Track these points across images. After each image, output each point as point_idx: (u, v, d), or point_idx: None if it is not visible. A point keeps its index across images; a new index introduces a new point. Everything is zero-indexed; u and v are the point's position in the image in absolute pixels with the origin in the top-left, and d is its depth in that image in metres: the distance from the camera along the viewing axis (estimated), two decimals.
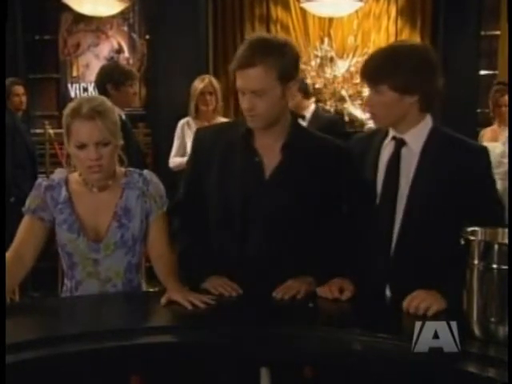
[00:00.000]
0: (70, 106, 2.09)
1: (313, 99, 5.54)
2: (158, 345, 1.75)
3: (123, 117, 4.06)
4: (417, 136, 2.03)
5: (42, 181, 2.21)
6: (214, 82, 4.81)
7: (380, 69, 1.97)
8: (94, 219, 2.17)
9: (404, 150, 2.04)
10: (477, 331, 1.70)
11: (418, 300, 1.84)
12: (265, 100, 2.00)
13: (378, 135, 2.12)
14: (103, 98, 2.20)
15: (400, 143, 2.05)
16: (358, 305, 2.02)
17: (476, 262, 1.68)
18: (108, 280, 2.19)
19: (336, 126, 5.21)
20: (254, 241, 2.14)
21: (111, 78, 4.11)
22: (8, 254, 2.10)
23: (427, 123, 2.05)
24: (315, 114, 5.29)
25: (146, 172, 2.26)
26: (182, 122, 4.75)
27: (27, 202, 2.17)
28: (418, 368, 1.63)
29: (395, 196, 2.03)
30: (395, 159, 2.05)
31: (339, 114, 6.98)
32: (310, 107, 5.27)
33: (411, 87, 1.96)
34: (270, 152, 2.11)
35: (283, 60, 2.00)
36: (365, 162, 2.10)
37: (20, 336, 1.74)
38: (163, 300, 2.00)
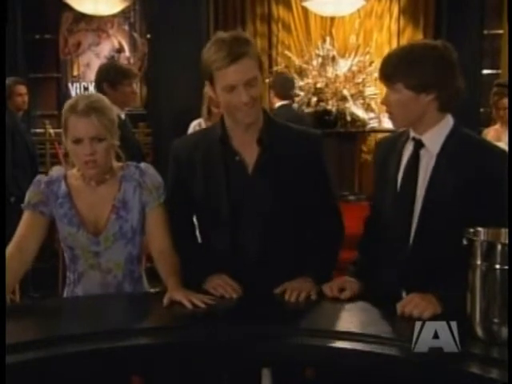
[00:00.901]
0: (69, 102, 2.14)
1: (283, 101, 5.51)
2: (159, 345, 1.74)
3: (122, 116, 4.03)
4: (435, 137, 2.01)
5: (41, 177, 2.24)
6: None
7: (395, 67, 1.96)
8: (93, 213, 2.20)
9: (423, 151, 2.03)
10: (479, 332, 1.67)
11: (411, 306, 1.82)
12: (257, 89, 2.05)
13: (402, 137, 2.11)
14: (101, 96, 2.24)
15: (419, 144, 2.04)
16: (362, 305, 2.00)
17: (478, 262, 1.66)
18: (109, 271, 2.21)
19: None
20: (246, 237, 2.15)
21: (107, 77, 4.08)
22: (9, 250, 2.11)
23: (447, 124, 2.02)
24: (277, 111, 5.31)
25: (142, 164, 2.29)
26: (194, 123, 4.71)
27: (26, 198, 2.20)
28: (419, 369, 1.61)
29: (413, 197, 2.02)
30: (414, 160, 2.04)
31: (341, 113, 6.97)
32: (276, 105, 5.31)
33: (427, 85, 1.94)
34: (248, 149, 2.15)
35: (256, 50, 2.10)
36: (388, 164, 2.11)
37: (20, 337, 1.73)
38: (166, 300, 1.99)
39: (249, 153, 2.15)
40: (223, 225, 2.16)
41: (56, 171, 2.25)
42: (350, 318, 1.95)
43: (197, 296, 1.99)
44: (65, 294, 2.29)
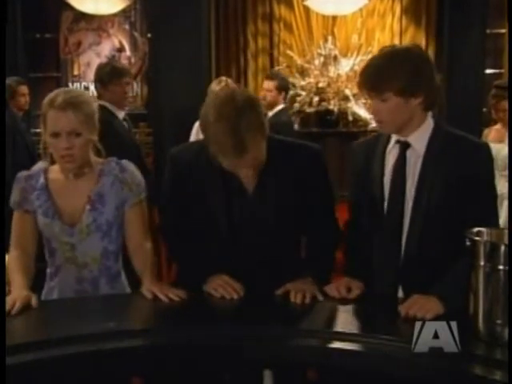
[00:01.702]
0: (48, 96, 2.18)
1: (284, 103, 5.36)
2: (160, 346, 1.73)
3: (121, 116, 4.01)
4: (420, 137, 2.03)
5: (21, 173, 2.28)
6: (231, 85, 4.59)
7: (381, 77, 1.96)
8: (70, 204, 2.22)
9: (409, 152, 2.04)
10: (482, 333, 1.66)
11: (415, 308, 1.82)
12: (263, 156, 2.02)
13: (381, 140, 2.12)
14: (82, 91, 2.32)
15: (404, 146, 2.04)
16: (363, 306, 1.98)
17: (482, 263, 1.64)
18: (85, 265, 2.22)
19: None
20: (244, 256, 2.12)
21: (99, 77, 4.06)
22: (13, 253, 2.16)
23: (429, 123, 2.05)
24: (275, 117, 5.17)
25: (124, 161, 2.30)
26: (197, 123, 4.67)
27: (12, 197, 2.24)
28: (422, 370, 1.60)
29: (403, 198, 2.03)
30: (401, 162, 2.05)
31: (343, 113, 6.95)
32: (277, 108, 5.16)
33: (415, 89, 1.96)
34: (249, 170, 2.08)
35: (259, 109, 1.99)
36: (370, 168, 2.11)
37: (20, 338, 1.72)
38: (148, 295, 2.03)
39: (250, 174, 2.10)
40: (221, 240, 2.14)
41: (38, 166, 2.29)
42: (351, 319, 1.94)
43: (172, 291, 2.03)
44: (44, 289, 2.28)
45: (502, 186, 3.52)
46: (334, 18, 7.17)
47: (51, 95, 2.16)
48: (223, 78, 4.70)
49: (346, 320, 1.93)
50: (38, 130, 6.52)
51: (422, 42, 7.15)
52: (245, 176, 2.09)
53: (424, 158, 2.01)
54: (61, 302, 2.19)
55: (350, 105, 7.02)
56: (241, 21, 7.18)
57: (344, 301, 1.99)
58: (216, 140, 1.93)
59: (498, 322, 1.62)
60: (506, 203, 3.54)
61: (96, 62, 6.64)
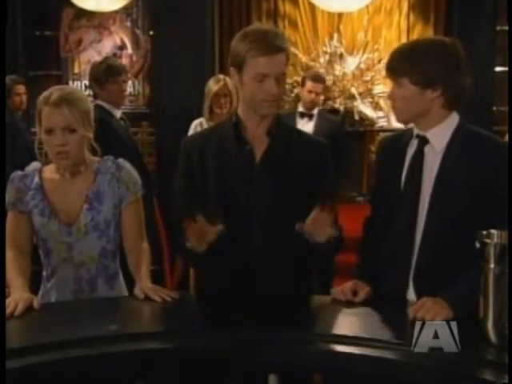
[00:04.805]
0: (43, 94, 2.20)
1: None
2: (165, 350, 1.74)
3: (118, 115, 3.95)
4: (440, 134, 2.02)
5: (15, 173, 2.30)
6: (230, 83, 4.45)
7: (400, 62, 2.00)
8: (66, 203, 2.24)
9: (427, 149, 2.04)
10: (492, 337, 1.66)
11: (424, 311, 1.82)
12: (284, 86, 2.20)
13: (405, 137, 2.14)
14: (76, 89, 2.39)
15: (423, 141, 2.05)
16: (368, 309, 1.99)
17: (492, 265, 1.64)
18: (82, 264, 2.25)
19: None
20: (254, 229, 2.17)
21: (94, 76, 4.02)
22: (9, 254, 2.18)
23: (452, 121, 2.04)
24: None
25: (120, 159, 2.33)
26: (195, 122, 4.63)
27: (6, 198, 2.26)
28: (431, 375, 1.61)
29: (417, 195, 2.03)
30: (418, 157, 2.06)
31: (349, 112, 6.92)
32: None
33: (431, 81, 1.97)
34: (259, 142, 2.22)
35: (290, 49, 2.23)
36: (392, 164, 2.13)
37: (21, 341, 1.74)
38: (141, 295, 2.07)
39: (259, 145, 2.21)
40: (234, 211, 2.16)
41: (32, 166, 2.30)
42: (358, 323, 1.94)
43: (164, 291, 2.09)
44: (40, 291, 2.30)
45: None
46: (340, 15, 7.14)
47: (46, 93, 2.20)
48: (221, 76, 4.65)
49: (353, 324, 1.93)
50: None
51: None
52: (255, 138, 2.18)
53: (443, 156, 1.99)
54: (62, 305, 2.19)
55: (356, 103, 7.03)
56: (245, 18, 7.13)
57: (350, 304, 2.00)
58: (250, 46, 2.10)
59: (508, 325, 1.61)
60: None
61: (97, 60, 6.59)
